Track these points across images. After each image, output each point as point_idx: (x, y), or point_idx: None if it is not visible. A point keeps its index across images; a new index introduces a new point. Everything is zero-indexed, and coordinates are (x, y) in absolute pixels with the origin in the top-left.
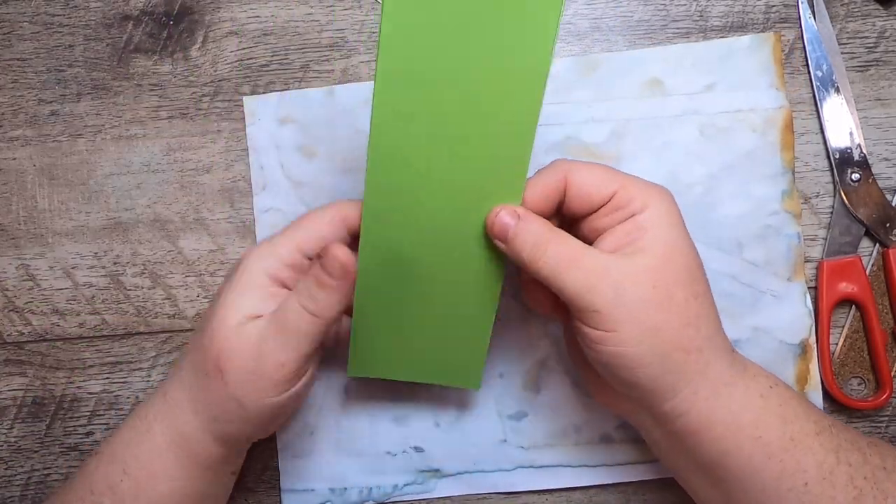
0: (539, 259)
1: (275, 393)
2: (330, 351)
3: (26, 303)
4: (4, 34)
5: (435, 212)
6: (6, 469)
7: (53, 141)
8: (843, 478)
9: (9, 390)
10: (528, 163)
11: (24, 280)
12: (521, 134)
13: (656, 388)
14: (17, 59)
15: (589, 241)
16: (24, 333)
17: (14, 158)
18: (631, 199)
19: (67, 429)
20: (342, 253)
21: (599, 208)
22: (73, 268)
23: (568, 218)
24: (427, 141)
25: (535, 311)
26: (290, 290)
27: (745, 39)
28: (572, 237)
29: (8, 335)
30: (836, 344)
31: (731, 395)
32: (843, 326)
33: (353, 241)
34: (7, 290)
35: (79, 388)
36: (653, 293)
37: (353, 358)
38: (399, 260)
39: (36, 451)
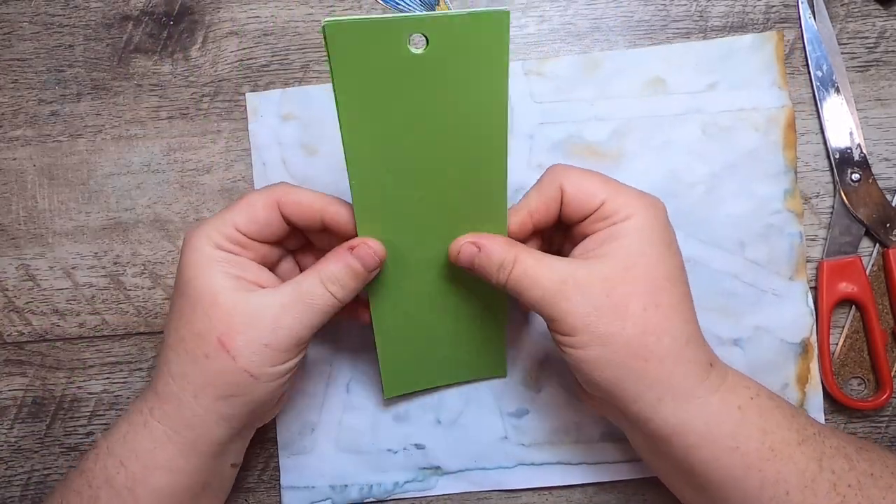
0: (504, 281)
1: (284, 360)
2: (333, 349)
3: (26, 303)
4: (4, 34)
5: (427, 240)
6: (6, 469)
7: (53, 141)
8: (826, 486)
9: (9, 390)
10: (505, 194)
11: (24, 280)
12: (495, 170)
13: (616, 391)
14: (17, 59)
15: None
16: (24, 333)
17: (14, 158)
18: (617, 209)
19: (67, 429)
20: (378, 247)
21: (590, 215)
22: (73, 268)
23: (565, 224)
24: (408, 183)
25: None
26: (235, 255)
27: (748, 38)
28: (533, 252)
29: (8, 335)
30: (837, 344)
31: (703, 407)
32: (844, 326)
33: (288, 224)
34: (7, 290)
35: (79, 388)
36: (606, 302)
37: (387, 380)
38: (408, 285)
39: (36, 451)
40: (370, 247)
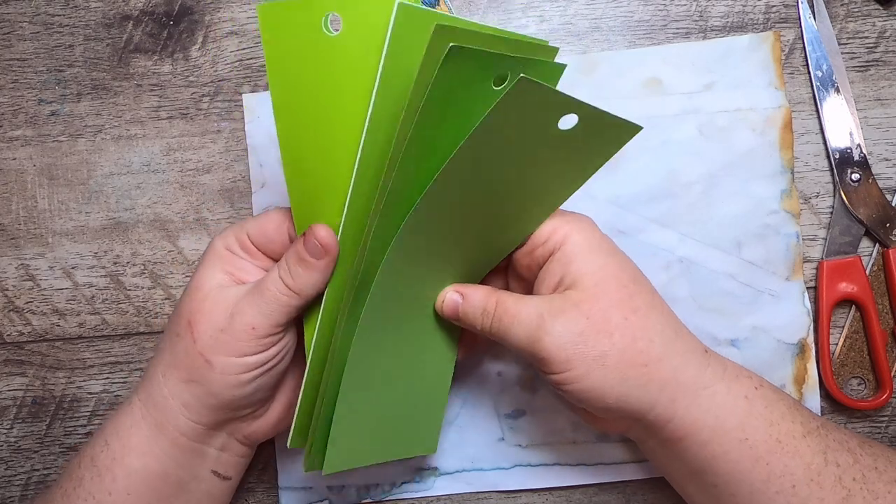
0: (489, 325)
1: (239, 353)
2: None
3: (26, 303)
4: (4, 34)
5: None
6: (6, 469)
7: (53, 141)
8: (831, 479)
9: (9, 390)
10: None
11: (24, 280)
12: None
13: (630, 406)
14: (17, 59)
15: (525, 277)
16: (24, 333)
17: (14, 158)
18: (549, 233)
19: (67, 429)
20: (324, 233)
21: (523, 245)
22: (73, 268)
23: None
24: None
25: None
26: (239, 257)
27: (745, 39)
28: (512, 295)
29: (8, 335)
30: (836, 344)
31: (713, 398)
32: (843, 326)
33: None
34: (7, 290)
35: (79, 388)
36: (588, 325)
37: (332, 449)
38: (382, 337)
39: (36, 451)
40: (314, 233)
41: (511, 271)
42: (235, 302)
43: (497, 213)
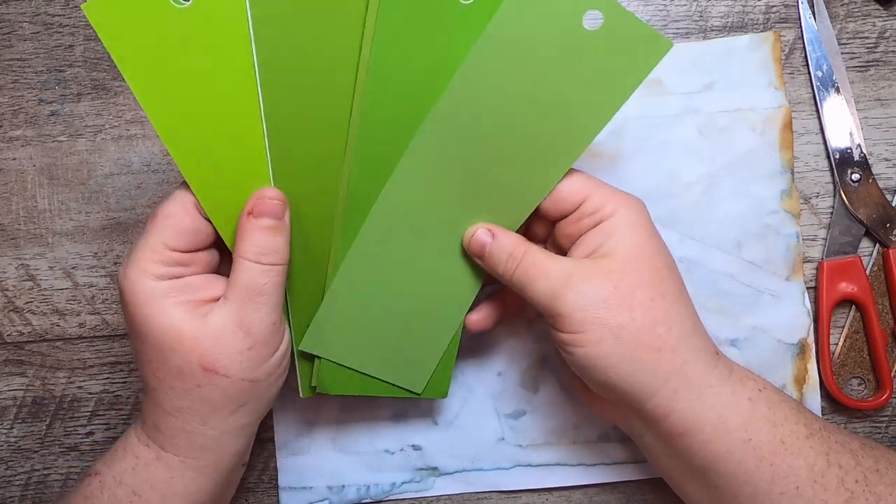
0: (512, 272)
1: (271, 352)
2: None
3: (26, 303)
4: (4, 34)
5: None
6: (6, 469)
7: (53, 141)
8: (834, 480)
9: (9, 390)
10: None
11: (24, 280)
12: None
13: (631, 387)
14: (17, 59)
15: (563, 247)
16: (24, 333)
17: (14, 158)
18: (599, 206)
19: (67, 429)
20: (274, 192)
21: (570, 213)
22: (73, 268)
23: (546, 221)
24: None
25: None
26: (182, 276)
27: (745, 38)
28: (542, 250)
29: (8, 335)
30: (837, 344)
31: (717, 398)
32: (844, 326)
33: (209, 223)
34: (7, 290)
35: (79, 388)
36: (613, 293)
37: (313, 328)
38: (387, 250)
39: (36, 451)
40: (267, 196)
41: (551, 240)
42: (236, 318)
43: (520, 141)
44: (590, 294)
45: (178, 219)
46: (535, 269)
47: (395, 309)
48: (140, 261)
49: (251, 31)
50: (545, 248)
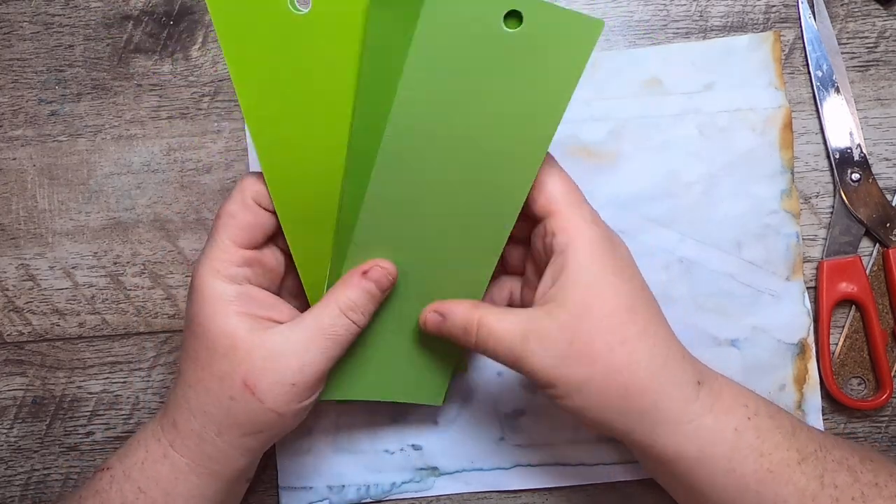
0: (473, 344)
1: (310, 395)
2: None
3: (26, 303)
4: (4, 34)
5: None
6: (6, 469)
7: (53, 141)
8: (828, 501)
9: (9, 390)
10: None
11: (24, 280)
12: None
13: (610, 426)
14: (17, 59)
15: (536, 260)
16: (24, 333)
17: (14, 158)
18: (558, 230)
19: (67, 429)
20: (391, 267)
21: (540, 222)
22: (73, 268)
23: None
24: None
25: None
26: (250, 282)
27: (745, 38)
28: (495, 310)
29: (8, 335)
30: (837, 344)
31: (697, 431)
32: (844, 326)
33: (268, 210)
34: (7, 290)
35: (79, 388)
36: (570, 349)
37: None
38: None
39: (36, 451)
40: (383, 268)
41: (531, 249)
42: (298, 354)
43: (480, 144)
44: (546, 356)
45: (238, 217)
46: (492, 337)
47: (402, 326)
48: (212, 259)
49: (362, 45)
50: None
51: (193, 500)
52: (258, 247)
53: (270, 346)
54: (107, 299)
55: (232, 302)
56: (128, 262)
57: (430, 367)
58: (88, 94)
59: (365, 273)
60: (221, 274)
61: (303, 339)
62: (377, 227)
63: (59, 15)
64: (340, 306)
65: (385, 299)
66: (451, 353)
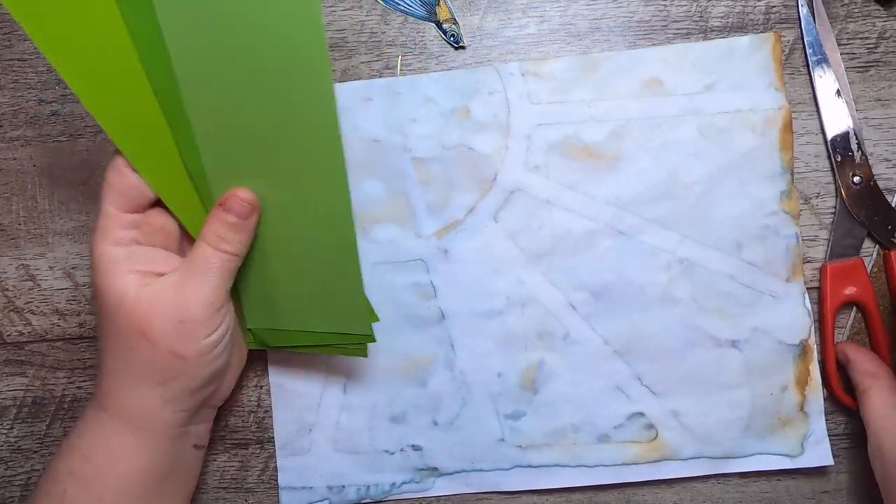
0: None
1: (206, 333)
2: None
3: (26, 303)
4: (4, 34)
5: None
6: (6, 469)
7: (53, 141)
8: None
9: (9, 390)
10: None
11: (24, 280)
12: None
13: None
14: (18, 59)
15: None
16: (24, 333)
17: (14, 158)
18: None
19: (67, 429)
20: (246, 194)
21: None
22: (73, 268)
23: None
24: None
25: (532, 309)
26: (140, 244)
27: (745, 39)
28: (886, 386)
29: (8, 335)
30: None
31: None
32: (846, 328)
33: None
34: (7, 290)
35: (79, 388)
36: None
37: (248, 305)
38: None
39: (36, 451)
40: (239, 197)
41: None
42: (177, 290)
43: (259, 63)
44: None
45: (116, 183)
46: (867, 407)
47: (298, 260)
48: (100, 228)
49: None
50: None
51: (133, 459)
52: (143, 209)
53: (155, 292)
54: None
55: (121, 263)
56: None
57: (341, 292)
58: None
59: (222, 204)
60: (109, 239)
61: (181, 278)
62: (221, 162)
63: None
64: (208, 241)
65: (267, 232)
66: (351, 275)
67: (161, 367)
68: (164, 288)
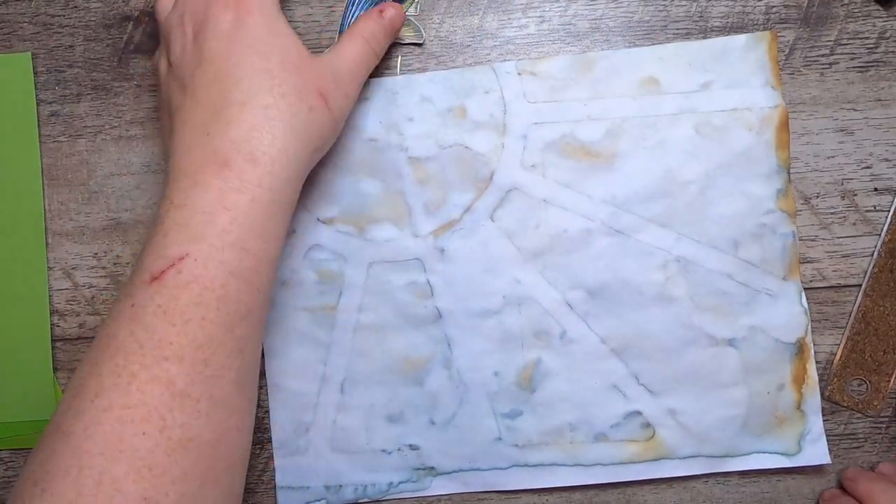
0: None
1: (350, 108)
2: (327, 348)
3: None
4: (4, 34)
5: None
6: (6, 469)
7: (53, 141)
8: None
9: None
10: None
11: None
12: None
13: None
14: None
15: None
16: None
17: None
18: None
19: None
20: (399, 12)
21: None
22: (73, 268)
23: None
24: None
25: (529, 308)
26: None
27: (741, 38)
28: None
29: None
30: (838, 345)
31: None
32: (845, 327)
33: None
34: None
35: None
36: None
37: None
38: None
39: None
40: (396, 9)
41: None
42: (351, 69)
43: None
44: None
45: None
46: None
47: None
48: None
49: None
50: None
51: (278, 241)
52: None
53: (331, 63)
54: (107, 300)
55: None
56: (128, 263)
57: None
58: (88, 94)
59: (381, 12)
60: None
61: (353, 56)
62: None
63: (59, 15)
64: (365, 36)
65: None
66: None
67: (322, 134)
68: (338, 62)
